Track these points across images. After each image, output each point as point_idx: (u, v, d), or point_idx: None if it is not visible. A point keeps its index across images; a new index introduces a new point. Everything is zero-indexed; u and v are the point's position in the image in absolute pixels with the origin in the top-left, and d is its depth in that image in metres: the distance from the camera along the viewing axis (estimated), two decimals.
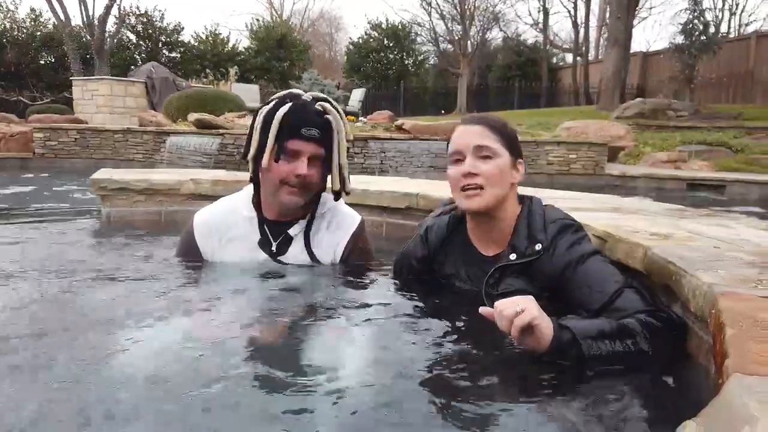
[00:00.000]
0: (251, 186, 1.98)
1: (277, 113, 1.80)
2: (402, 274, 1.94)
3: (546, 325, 1.25)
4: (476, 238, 1.76)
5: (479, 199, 1.61)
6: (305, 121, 1.80)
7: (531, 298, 1.30)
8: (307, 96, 1.88)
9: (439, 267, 1.84)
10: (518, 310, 1.24)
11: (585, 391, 1.20)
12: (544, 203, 1.73)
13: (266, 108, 1.86)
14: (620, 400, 1.16)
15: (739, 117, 16.07)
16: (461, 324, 1.54)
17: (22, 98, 20.33)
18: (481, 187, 1.60)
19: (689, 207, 2.80)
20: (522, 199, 1.74)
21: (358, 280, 1.97)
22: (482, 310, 1.33)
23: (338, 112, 1.88)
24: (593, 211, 2.42)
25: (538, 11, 32.92)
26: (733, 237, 1.88)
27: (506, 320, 1.25)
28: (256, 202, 1.94)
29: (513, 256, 1.62)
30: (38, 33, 24.67)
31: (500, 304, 1.28)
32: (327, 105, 1.87)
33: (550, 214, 1.66)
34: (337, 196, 2.00)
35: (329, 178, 1.94)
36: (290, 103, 1.83)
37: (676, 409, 1.11)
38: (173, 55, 27.16)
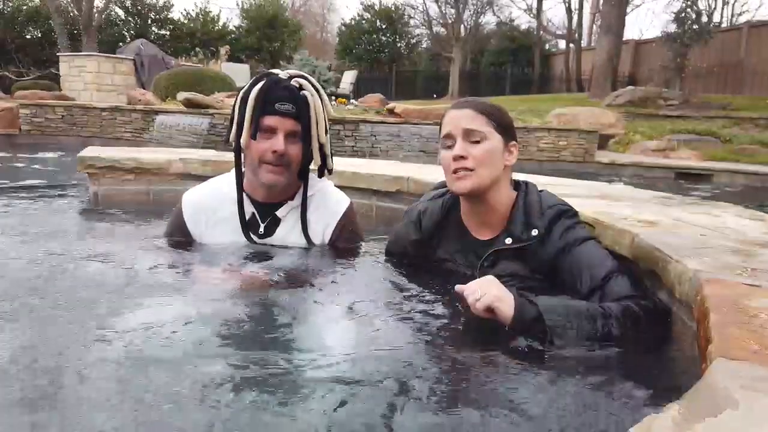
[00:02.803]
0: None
1: (252, 91, 1.79)
2: (394, 260, 1.94)
3: (506, 305, 1.35)
4: (470, 222, 1.76)
5: (469, 181, 1.62)
6: (279, 97, 1.79)
7: (492, 279, 1.41)
8: (283, 74, 1.86)
9: (432, 251, 1.83)
10: (477, 297, 1.36)
11: (570, 374, 1.22)
12: (539, 188, 1.75)
13: (244, 88, 1.85)
14: (604, 384, 1.18)
15: (728, 107, 16.15)
16: (452, 307, 1.55)
17: (7, 74, 19.96)
18: (472, 170, 1.61)
19: (676, 195, 2.82)
20: (517, 184, 1.75)
21: (347, 262, 1.98)
22: (457, 287, 1.43)
23: (316, 88, 1.87)
24: (582, 198, 2.43)
25: None
26: (718, 225, 1.90)
27: (470, 305, 1.38)
28: (239, 184, 1.92)
29: (508, 241, 1.64)
30: (24, 7, 24.17)
31: (466, 288, 1.40)
32: (303, 81, 1.85)
33: (546, 200, 1.67)
34: (320, 173, 2.00)
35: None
36: (264, 80, 1.82)
37: (659, 392, 1.12)
38: (162, 32, 26.76)
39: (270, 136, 1.80)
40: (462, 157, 1.61)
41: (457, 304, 1.51)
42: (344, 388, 1.10)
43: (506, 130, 1.67)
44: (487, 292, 1.36)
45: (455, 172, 1.63)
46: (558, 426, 1.02)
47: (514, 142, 1.69)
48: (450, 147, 1.65)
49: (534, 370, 1.24)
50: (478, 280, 1.43)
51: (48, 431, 0.96)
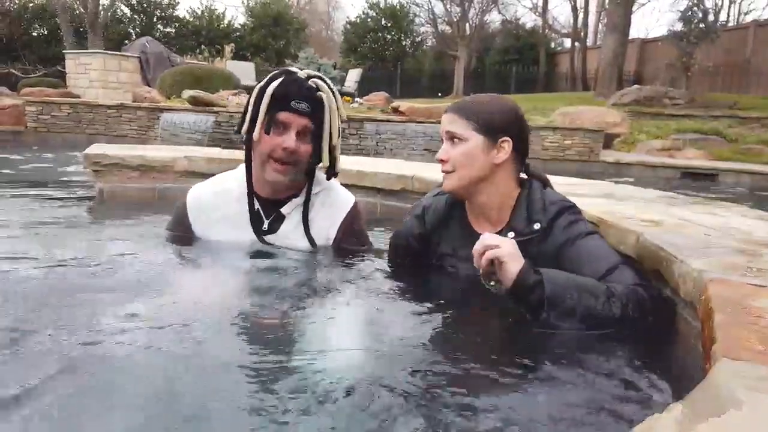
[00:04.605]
0: None
1: (269, 86, 1.82)
2: (398, 254, 1.95)
3: (514, 265, 1.40)
4: (474, 219, 1.77)
5: (449, 182, 1.70)
6: (295, 94, 1.81)
7: (511, 241, 1.47)
8: (302, 73, 1.88)
9: (435, 246, 1.84)
10: (495, 243, 1.42)
11: (572, 374, 1.22)
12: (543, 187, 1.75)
13: (261, 83, 1.87)
14: (607, 383, 1.18)
15: (735, 106, 16.06)
16: (455, 305, 1.55)
17: (13, 71, 20.04)
18: (450, 171, 1.68)
19: (681, 195, 2.81)
20: (522, 181, 1.75)
21: (351, 262, 1.98)
22: (482, 237, 1.48)
23: (332, 91, 1.89)
24: (587, 197, 2.43)
25: None
26: (723, 225, 1.90)
27: (480, 247, 1.44)
28: (248, 179, 1.94)
29: (511, 235, 1.64)
30: (30, 4, 24.27)
31: (486, 235, 1.47)
32: (320, 82, 1.87)
33: (549, 197, 1.68)
34: (328, 176, 2.01)
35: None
36: (282, 77, 1.84)
37: (662, 392, 1.12)
38: (168, 30, 26.86)
39: (282, 133, 1.82)
40: (442, 160, 1.69)
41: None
42: (346, 389, 1.10)
43: (493, 128, 1.65)
44: (503, 246, 1.42)
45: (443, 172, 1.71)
46: (560, 425, 1.02)
47: (505, 138, 1.65)
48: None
49: (536, 369, 1.24)
50: (499, 236, 1.50)
51: (52, 427, 0.96)
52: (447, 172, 1.69)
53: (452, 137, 1.67)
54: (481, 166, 1.65)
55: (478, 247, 1.45)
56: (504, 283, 1.43)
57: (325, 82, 1.89)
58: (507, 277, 1.41)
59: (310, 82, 1.85)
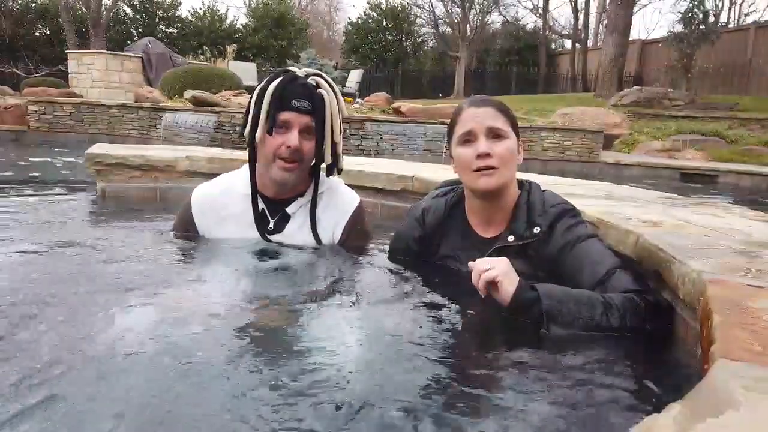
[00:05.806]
0: None
1: (269, 87, 1.83)
2: (398, 256, 1.95)
3: (510, 283, 1.42)
4: (475, 220, 1.77)
5: (493, 179, 1.63)
6: (295, 93, 1.83)
7: (504, 260, 1.47)
8: (301, 72, 1.89)
9: (435, 248, 1.85)
10: (487, 267, 1.43)
11: (571, 373, 1.22)
12: (542, 188, 1.76)
13: (261, 84, 1.89)
14: (606, 384, 1.18)
15: (735, 108, 16.05)
16: (456, 305, 1.55)
17: (16, 71, 20.06)
18: (495, 168, 1.62)
19: (681, 196, 2.82)
20: (521, 183, 1.76)
21: (355, 261, 1.98)
22: (470, 263, 1.49)
23: (332, 88, 1.90)
24: (586, 198, 2.44)
25: None
26: (723, 226, 1.90)
27: (476, 274, 1.45)
28: (253, 179, 1.95)
29: (511, 238, 1.65)
30: (33, 4, 24.30)
31: (477, 261, 1.47)
32: (320, 80, 1.88)
33: (549, 199, 1.69)
34: (329, 171, 2.01)
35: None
36: (282, 77, 1.85)
37: (661, 392, 1.13)
38: (170, 30, 26.88)
39: (285, 132, 1.83)
40: (488, 155, 1.61)
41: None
42: (347, 387, 1.10)
43: (517, 129, 1.70)
44: (496, 267, 1.43)
45: (479, 170, 1.63)
46: (559, 426, 1.03)
47: (520, 141, 1.73)
48: (470, 143, 1.65)
49: (536, 368, 1.24)
50: (490, 258, 1.49)
51: (56, 427, 0.97)
52: (490, 168, 1.62)
53: (496, 133, 1.63)
54: (515, 165, 1.68)
55: (474, 277, 1.46)
56: (501, 301, 1.44)
57: (324, 79, 1.90)
58: (504, 296, 1.43)
59: (309, 80, 1.87)
